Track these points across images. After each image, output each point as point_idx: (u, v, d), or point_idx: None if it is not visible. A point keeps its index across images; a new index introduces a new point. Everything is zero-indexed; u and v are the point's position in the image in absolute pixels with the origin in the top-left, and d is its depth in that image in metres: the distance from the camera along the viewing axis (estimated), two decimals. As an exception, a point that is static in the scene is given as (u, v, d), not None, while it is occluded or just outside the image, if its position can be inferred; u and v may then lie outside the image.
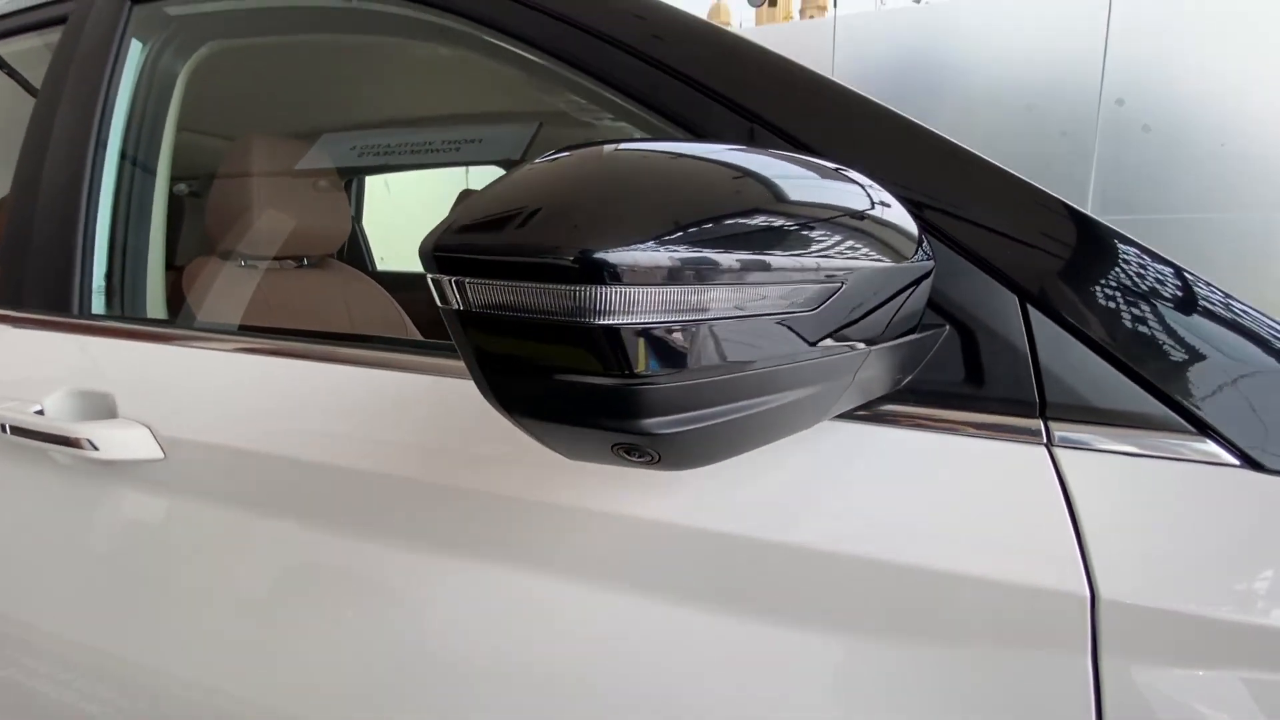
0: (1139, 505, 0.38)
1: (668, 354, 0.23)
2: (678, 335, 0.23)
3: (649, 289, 0.22)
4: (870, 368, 0.35)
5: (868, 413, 0.43)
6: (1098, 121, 3.88)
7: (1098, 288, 0.43)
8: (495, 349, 0.24)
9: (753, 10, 4.45)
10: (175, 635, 0.61)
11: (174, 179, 1.38)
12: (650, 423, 0.24)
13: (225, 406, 0.61)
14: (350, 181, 2.12)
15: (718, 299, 0.23)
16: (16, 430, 0.65)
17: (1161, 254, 0.43)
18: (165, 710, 0.63)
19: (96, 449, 0.61)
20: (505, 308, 0.23)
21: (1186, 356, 0.40)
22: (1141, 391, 0.40)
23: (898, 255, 0.34)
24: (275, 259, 1.23)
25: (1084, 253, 0.44)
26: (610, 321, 0.22)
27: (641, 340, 0.23)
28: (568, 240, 0.22)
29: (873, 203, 0.33)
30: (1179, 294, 0.42)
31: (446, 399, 0.52)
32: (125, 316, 0.79)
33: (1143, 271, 0.43)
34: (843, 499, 0.42)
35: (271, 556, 0.59)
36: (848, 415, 0.43)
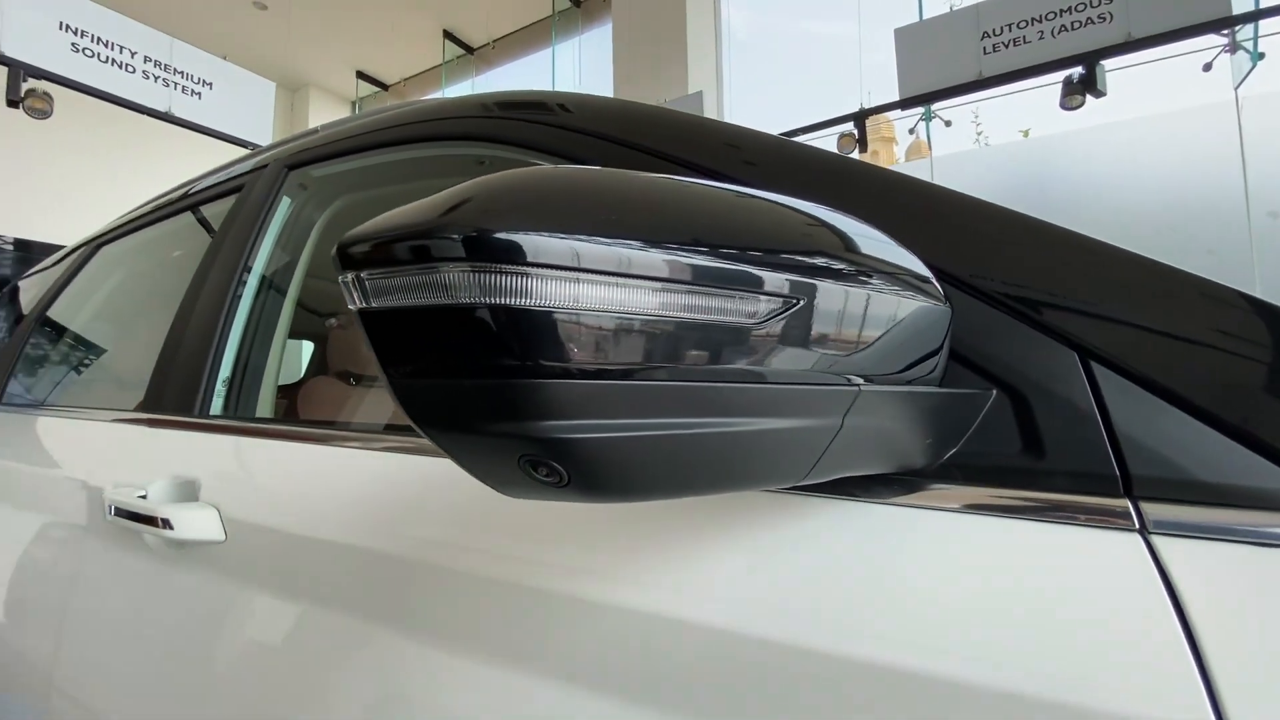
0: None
1: (563, 344, 0.21)
2: (575, 324, 0.21)
3: (544, 271, 0.21)
4: (875, 414, 0.30)
5: (907, 494, 0.37)
6: (1250, 237, 3.53)
7: (1185, 337, 0.36)
8: (396, 348, 0.23)
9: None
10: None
11: (316, 311, 1.57)
12: (548, 425, 0.22)
13: (284, 492, 0.65)
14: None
15: (622, 293, 0.22)
16: (120, 512, 0.73)
17: (1254, 295, 0.36)
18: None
19: (171, 528, 0.65)
20: (404, 298, 0.22)
21: None
22: (1264, 461, 0.32)
23: (891, 288, 0.30)
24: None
25: (1159, 301, 0.37)
26: (499, 301, 0.21)
27: (533, 325, 0.21)
28: (471, 222, 0.21)
29: (849, 238, 0.31)
30: None
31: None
32: (230, 415, 0.89)
33: (1249, 317, 0.36)
34: (875, 595, 0.35)
35: (315, 643, 0.58)
36: (881, 497, 0.37)
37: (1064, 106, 3.53)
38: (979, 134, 5.44)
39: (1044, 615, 0.31)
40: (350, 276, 0.23)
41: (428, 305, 0.21)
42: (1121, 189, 3.76)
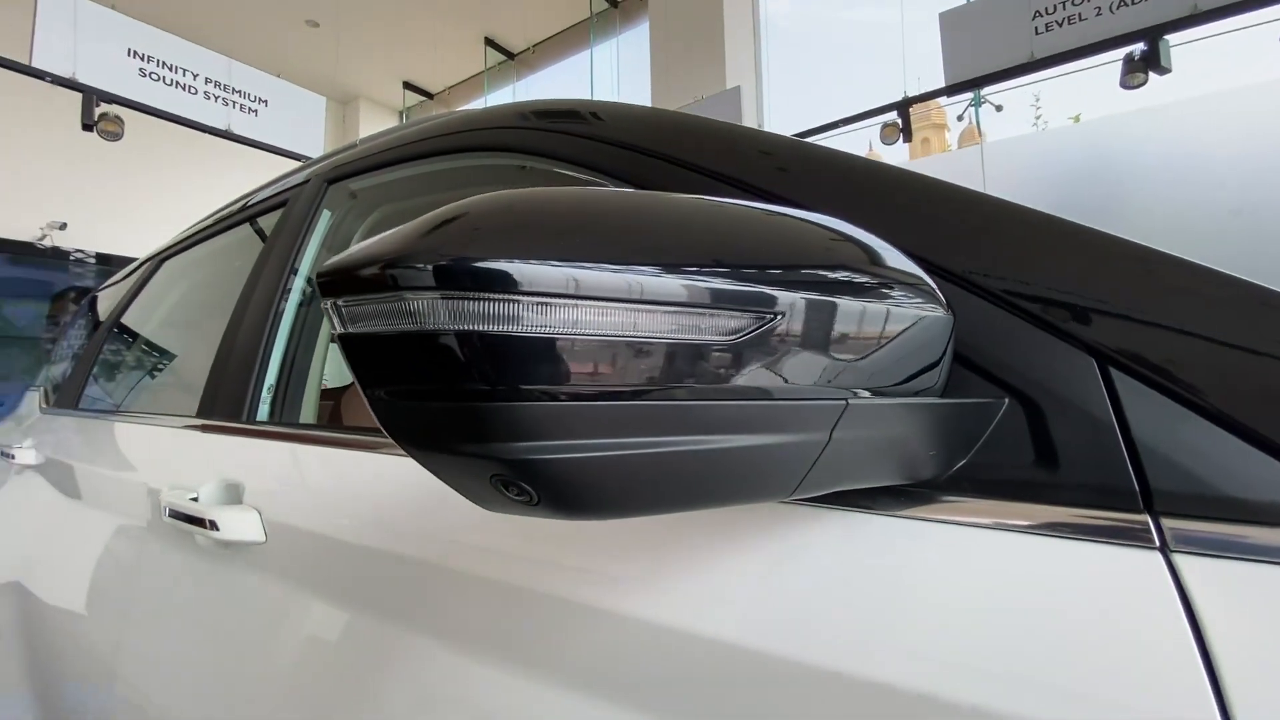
0: None
1: (527, 367, 0.22)
2: (536, 347, 0.22)
3: (505, 296, 0.21)
4: (867, 427, 0.29)
5: (915, 507, 0.36)
6: (1337, 219, 3.28)
7: (1212, 340, 0.33)
8: (373, 371, 0.24)
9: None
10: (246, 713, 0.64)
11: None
12: (514, 447, 0.22)
13: (321, 496, 0.68)
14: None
15: (584, 315, 0.22)
16: (174, 514, 0.77)
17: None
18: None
19: (217, 530, 0.69)
20: (376, 324, 0.23)
21: None
22: None
23: (883, 296, 0.29)
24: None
25: (1183, 302, 0.35)
26: (461, 327, 0.21)
27: (495, 350, 0.21)
28: (435, 250, 0.21)
29: (834, 243, 0.30)
30: None
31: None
32: (274, 421, 0.93)
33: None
34: (881, 609, 0.34)
35: (347, 644, 0.60)
36: (889, 509, 0.36)
37: (1125, 85, 3.33)
38: (1038, 117, 5.20)
39: (1055, 636, 0.30)
40: (329, 303, 0.24)
41: (396, 331, 0.22)
42: (1190, 170, 3.54)
